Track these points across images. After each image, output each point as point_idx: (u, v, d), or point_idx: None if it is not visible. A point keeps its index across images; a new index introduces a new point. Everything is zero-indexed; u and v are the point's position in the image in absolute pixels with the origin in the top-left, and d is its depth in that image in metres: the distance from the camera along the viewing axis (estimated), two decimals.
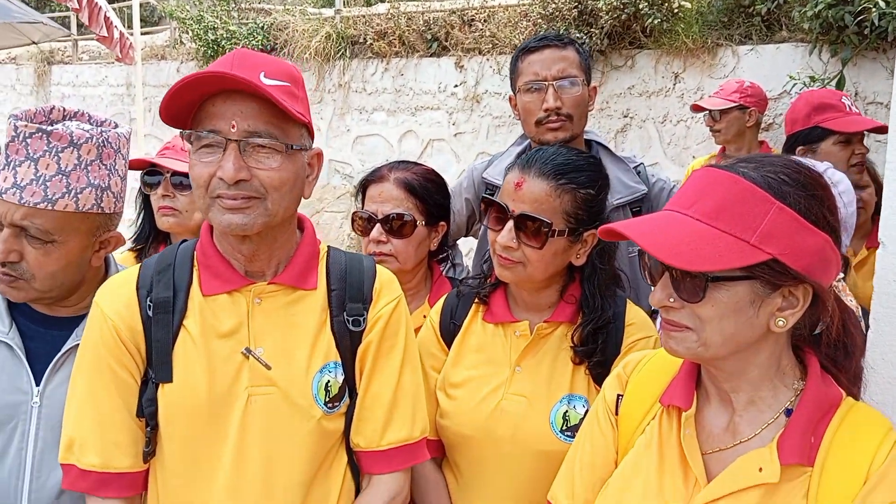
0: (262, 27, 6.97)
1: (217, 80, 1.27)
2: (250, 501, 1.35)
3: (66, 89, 9.69)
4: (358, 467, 1.49)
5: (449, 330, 1.77)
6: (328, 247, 1.54)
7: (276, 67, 1.35)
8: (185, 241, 1.50)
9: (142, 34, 8.24)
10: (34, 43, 3.65)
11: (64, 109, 1.53)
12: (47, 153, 1.42)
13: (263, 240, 1.39)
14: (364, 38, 6.34)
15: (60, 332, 1.55)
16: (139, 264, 1.46)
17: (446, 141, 5.91)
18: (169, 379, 1.36)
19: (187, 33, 7.48)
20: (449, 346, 1.76)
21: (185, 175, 2.19)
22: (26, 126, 1.42)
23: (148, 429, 1.37)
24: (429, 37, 6.04)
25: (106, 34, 7.39)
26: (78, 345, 1.50)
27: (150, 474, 1.41)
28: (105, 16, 7.67)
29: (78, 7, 7.39)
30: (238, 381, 1.37)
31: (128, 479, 1.37)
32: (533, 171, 1.61)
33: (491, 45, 5.69)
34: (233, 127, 1.29)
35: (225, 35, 7.02)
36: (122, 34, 7.66)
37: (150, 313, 1.38)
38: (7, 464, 1.49)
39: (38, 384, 1.52)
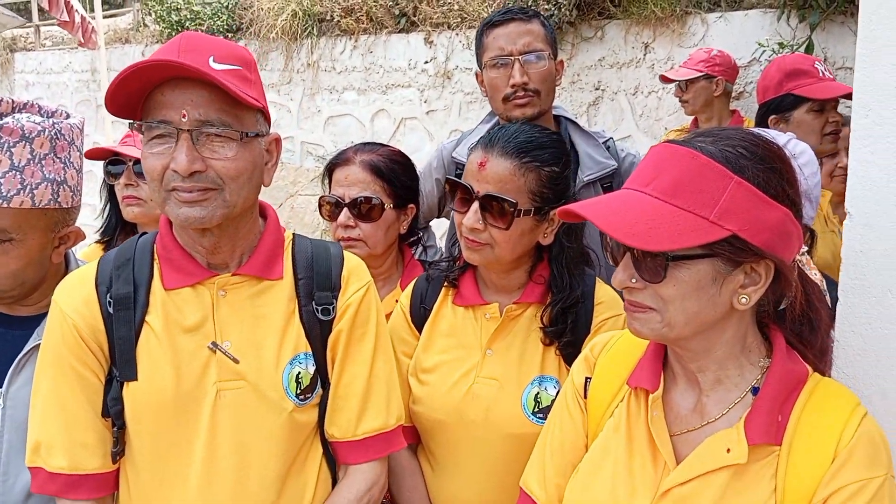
0: (227, 6, 6.83)
1: (164, 67, 1.23)
2: (224, 498, 1.34)
3: (30, 77, 9.47)
4: (334, 458, 1.48)
5: (419, 314, 1.76)
6: (293, 234, 1.51)
7: (226, 51, 1.31)
8: (144, 234, 1.46)
9: (104, 17, 8.06)
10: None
11: (13, 101, 1.49)
12: (0, 149, 1.38)
13: (224, 231, 1.36)
14: (331, 16, 6.23)
15: (22, 332, 1.52)
16: (97, 260, 1.43)
17: (419, 119, 5.86)
18: (133, 377, 1.33)
19: (150, 15, 7.33)
20: (420, 331, 1.75)
21: None
22: None
23: (115, 428, 1.35)
24: (396, 12, 5.96)
25: (67, 19, 7.21)
26: (38, 344, 1.47)
27: (120, 474, 1.39)
28: (66, 0, 7.48)
29: None
30: (206, 377, 1.35)
31: (98, 479, 1.35)
32: (496, 150, 1.59)
33: (460, 20, 5.62)
34: (183, 116, 1.25)
35: (189, 16, 6.89)
36: (83, 18, 7.48)
37: (111, 310, 1.35)
38: None
39: (0, 386, 1.48)
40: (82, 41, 7.57)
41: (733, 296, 1.08)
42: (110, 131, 7.01)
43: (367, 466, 1.45)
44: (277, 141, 1.42)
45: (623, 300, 1.16)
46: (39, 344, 1.46)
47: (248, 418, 1.36)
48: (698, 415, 1.16)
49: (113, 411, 1.34)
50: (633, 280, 1.10)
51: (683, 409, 1.17)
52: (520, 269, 1.68)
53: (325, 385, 1.45)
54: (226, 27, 6.74)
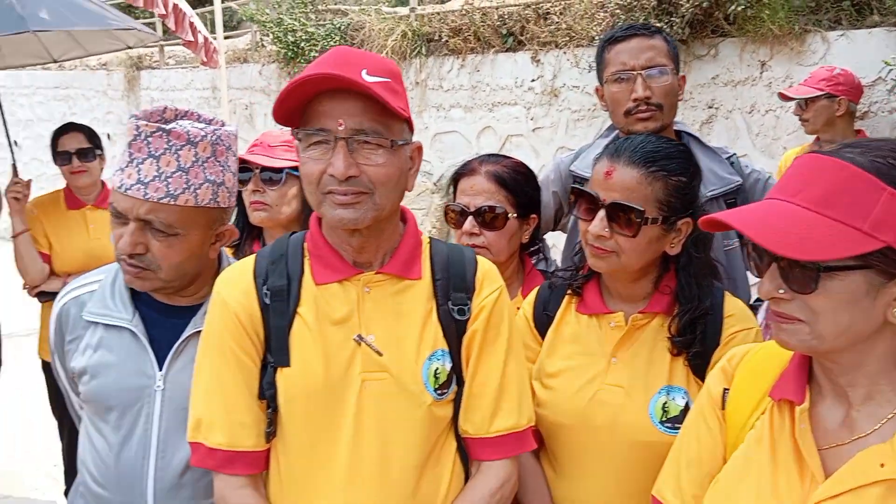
0: (340, 28, 7.12)
1: (324, 80, 1.33)
2: (368, 482, 1.41)
3: (154, 93, 10.13)
4: (467, 454, 1.52)
5: (542, 321, 1.80)
6: (430, 238, 1.59)
7: (376, 64, 1.39)
8: (294, 233, 1.57)
9: (224, 38, 8.54)
10: (129, 48, 3.84)
11: (176, 109, 1.62)
12: (168, 151, 1.51)
13: (371, 232, 1.44)
14: (439, 36, 6.40)
15: (179, 321, 1.65)
16: (253, 255, 1.54)
17: (525, 136, 5.91)
18: (287, 363, 1.43)
19: (268, 36, 7.71)
20: (542, 337, 1.78)
21: (274, 171, 2.27)
22: (147, 125, 1.51)
23: (269, 410, 1.44)
24: (504, 32, 6.06)
25: (192, 39, 7.67)
26: (196, 332, 1.60)
27: (271, 454, 1.48)
28: (190, 21, 7.96)
29: (165, 13, 7.69)
30: (352, 367, 1.43)
31: (252, 457, 1.44)
32: (623, 159, 1.61)
33: (568, 38, 5.66)
34: (340, 125, 1.34)
35: (304, 37, 7.21)
36: (206, 39, 7.95)
37: (268, 301, 1.45)
38: (133, 444, 1.59)
39: (160, 369, 1.61)
40: (204, 60, 8.02)
41: (887, 309, 1.05)
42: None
43: (500, 464, 1.49)
44: (419, 149, 1.50)
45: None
46: (196, 332, 1.59)
47: (391, 408, 1.43)
48: (847, 429, 1.13)
49: (268, 394, 1.44)
50: (781, 291, 1.09)
51: (831, 424, 1.15)
52: (646, 278, 1.69)
53: (460, 383, 1.50)
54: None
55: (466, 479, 1.52)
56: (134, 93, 10.58)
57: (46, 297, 3.42)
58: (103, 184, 3.55)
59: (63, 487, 3.78)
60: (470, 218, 2.04)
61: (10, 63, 3.68)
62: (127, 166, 1.51)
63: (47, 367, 3.49)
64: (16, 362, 4.41)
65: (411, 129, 1.48)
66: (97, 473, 1.63)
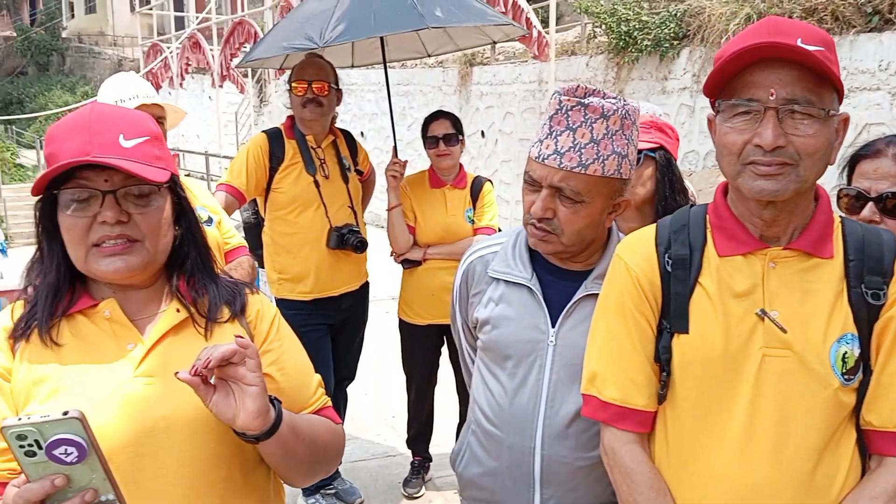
0: (675, 15, 6.96)
1: (762, 49, 1.32)
2: (762, 457, 1.39)
3: (484, 87, 10.83)
4: (866, 447, 1.43)
5: None
6: (841, 217, 1.50)
7: (811, 33, 1.35)
8: (692, 204, 1.59)
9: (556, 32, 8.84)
10: (493, 42, 4.11)
11: (585, 87, 1.73)
12: (583, 124, 1.62)
13: (786, 206, 1.41)
14: (790, 16, 5.94)
15: (571, 283, 1.76)
16: (653, 224, 1.59)
17: (887, 125, 5.27)
18: (685, 330, 1.46)
19: (600, 27, 7.81)
20: None
21: None
22: (569, 100, 1.63)
23: (663, 374, 1.49)
24: (869, 10, 5.44)
25: (527, 34, 8.09)
26: (586, 295, 1.70)
27: (658, 417, 1.52)
28: (526, 17, 8.40)
29: (504, 10, 8.21)
30: (752, 341, 1.41)
31: (642, 416, 1.50)
32: None
33: None
34: (771, 94, 1.32)
35: (637, 26, 7.17)
36: (539, 33, 8.32)
37: (669, 268, 1.50)
38: (527, 391, 1.75)
39: (552, 326, 1.74)
40: (536, 54, 8.42)
41: None
42: None
43: None
44: (845, 121, 1.43)
45: None
46: (587, 294, 1.70)
47: (792, 387, 1.39)
48: None
49: (663, 358, 1.48)
50: None
51: None
52: None
53: (867, 371, 1.41)
54: (672, 35, 6.87)
55: (862, 474, 1.43)
56: (465, 87, 11.42)
57: (409, 265, 3.85)
58: (460, 167, 3.90)
59: (404, 437, 4.23)
60: (870, 204, 1.88)
61: (394, 57, 4.17)
62: (546, 138, 1.65)
63: (404, 326, 3.94)
64: (378, 322, 5.03)
65: (840, 100, 1.41)
66: (491, 413, 1.81)
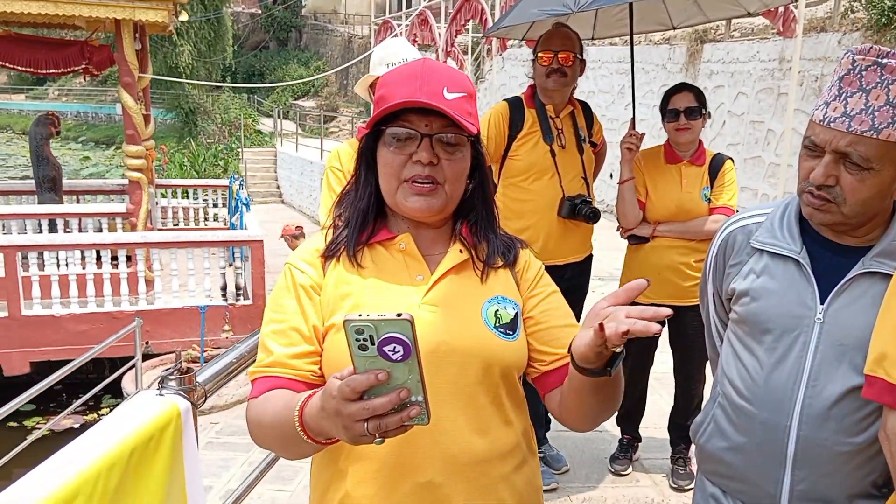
0: None
1: None
2: None
3: (714, 66, 10.28)
4: None
5: None
6: None
7: None
8: None
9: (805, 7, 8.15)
10: (748, 14, 3.88)
11: (879, 48, 1.59)
12: (878, 85, 1.50)
13: None
14: None
15: (846, 259, 1.65)
16: None
17: None
18: None
19: (858, 1, 7.08)
20: None
21: None
22: (864, 59, 1.52)
23: None
24: None
25: (772, 8, 7.53)
26: (862, 273, 1.59)
27: None
28: None
29: None
30: None
31: None
32: None
33: None
34: None
35: None
36: (786, 8, 7.72)
37: None
38: (786, 367, 1.67)
39: (821, 303, 1.65)
40: (780, 30, 7.83)
41: None
42: (791, 119, 7.11)
43: None
44: None
45: None
46: (863, 272, 1.59)
47: None
48: None
49: None
50: None
51: None
52: None
53: None
54: None
55: None
56: (693, 65, 10.90)
57: (636, 241, 3.79)
58: (700, 143, 3.75)
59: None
60: None
61: (638, 29, 4.09)
62: (834, 100, 1.55)
63: None
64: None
65: None
66: (743, 388, 1.75)
